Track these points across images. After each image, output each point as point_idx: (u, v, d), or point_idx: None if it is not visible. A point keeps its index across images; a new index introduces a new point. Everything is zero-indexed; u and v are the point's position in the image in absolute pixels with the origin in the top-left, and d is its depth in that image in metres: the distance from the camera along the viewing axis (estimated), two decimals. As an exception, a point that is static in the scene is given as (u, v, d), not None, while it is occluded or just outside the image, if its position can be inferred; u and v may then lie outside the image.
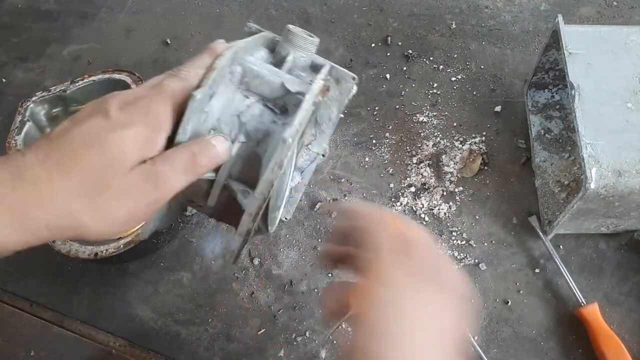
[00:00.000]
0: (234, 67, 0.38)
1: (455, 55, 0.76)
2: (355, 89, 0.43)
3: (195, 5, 0.87)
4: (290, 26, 0.41)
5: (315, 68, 0.42)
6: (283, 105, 0.38)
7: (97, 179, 0.31)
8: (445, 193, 0.65)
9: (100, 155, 0.31)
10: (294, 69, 0.41)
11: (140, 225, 0.61)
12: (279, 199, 0.44)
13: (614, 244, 0.61)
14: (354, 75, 0.42)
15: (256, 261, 0.63)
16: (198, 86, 0.35)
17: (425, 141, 0.69)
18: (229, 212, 0.38)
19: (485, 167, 0.67)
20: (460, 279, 0.34)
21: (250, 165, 0.37)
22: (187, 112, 0.34)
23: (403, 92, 0.74)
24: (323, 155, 0.46)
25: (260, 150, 0.37)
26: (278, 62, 0.41)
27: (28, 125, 0.69)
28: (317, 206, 0.36)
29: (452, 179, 0.66)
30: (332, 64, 0.42)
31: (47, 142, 0.32)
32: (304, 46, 0.41)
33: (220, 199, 0.37)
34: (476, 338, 0.56)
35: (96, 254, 0.60)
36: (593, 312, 0.55)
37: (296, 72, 0.41)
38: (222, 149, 0.35)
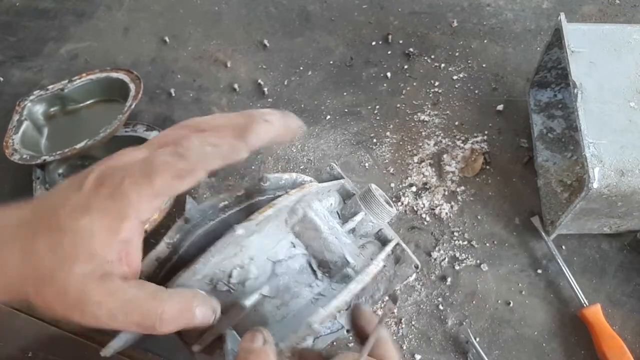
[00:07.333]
0: (297, 208, 0.32)
1: (457, 54, 0.75)
2: (413, 277, 0.39)
3: (193, 2, 0.86)
4: (373, 186, 0.37)
5: (380, 238, 0.38)
6: (328, 269, 0.33)
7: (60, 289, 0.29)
8: (446, 193, 0.65)
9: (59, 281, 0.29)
10: (358, 229, 0.37)
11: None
12: None
13: (616, 244, 0.60)
14: (418, 263, 0.38)
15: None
16: (251, 212, 0.29)
17: (426, 140, 0.69)
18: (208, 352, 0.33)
19: (487, 167, 0.66)
20: None
21: (261, 321, 0.32)
22: (219, 244, 0.29)
23: (404, 91, 0.73)
24: (347, 331, 0.39)
25: (279, 313, 0.31)
26: (346, 216, 0.36)
27: (25, 124, 0.69)
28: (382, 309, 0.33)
29: (454, 178, 0.66)
30: (400, 240, 0.38)
31: (27, 218, 0.30)
32: (379, 213, 0.37)
33: (207, 344, 0.33)
34: (478, 339, 0.56)
35: (94, 254, 0.59)
36: (595, 313, 0.55)
37: (358, 234, 0.37)
38: (200, 319, 0.30)
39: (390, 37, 0.78)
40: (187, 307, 0.30)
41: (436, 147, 0.68)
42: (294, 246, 0.33)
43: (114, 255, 0.29)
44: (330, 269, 0.33)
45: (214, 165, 0.30)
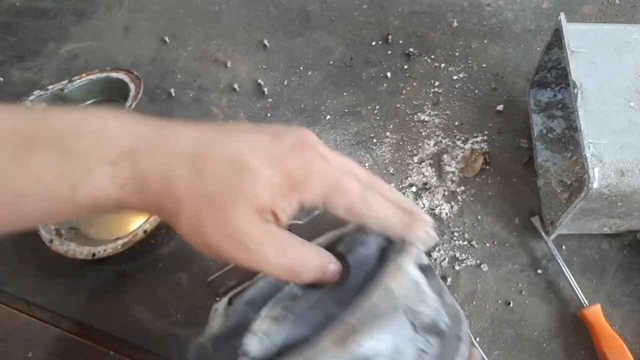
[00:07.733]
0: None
1: (457, 54, 0.75)
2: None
3: (193, 2, 0.86)
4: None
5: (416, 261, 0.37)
6: (423, 322, 0.32)
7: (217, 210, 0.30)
8: (446, 193, 0.65)
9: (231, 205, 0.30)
10: None
11: (138, 226, 0.61)
12: None
13: (616, 244, 0.60)
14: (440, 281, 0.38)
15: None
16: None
17: (426, 140, 0.69)
18: None
19: (487, 167, 0.66)
20: None
21: None
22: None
23: (404, 91, 0.73)
24: None
25: None
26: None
27: (25, 124, 0.69)
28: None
29: (454, 178, 0.65)
30: (431, 266, 0.37)
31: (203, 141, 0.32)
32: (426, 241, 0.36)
33: None
34: (478, 340, 0.56)
35: (94, 254, 0.60)
36: (595, 313, 0.55)
37: None
38: (330, 276, 0.32)
39: (390, 37, 0.78)
40: (325, 260, 0.32)
41: (436, 147, 0.68)
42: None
43: (281, 205, 0.31)
44: (425, 322, 0.31)
45: (373, 226, 0.33)
